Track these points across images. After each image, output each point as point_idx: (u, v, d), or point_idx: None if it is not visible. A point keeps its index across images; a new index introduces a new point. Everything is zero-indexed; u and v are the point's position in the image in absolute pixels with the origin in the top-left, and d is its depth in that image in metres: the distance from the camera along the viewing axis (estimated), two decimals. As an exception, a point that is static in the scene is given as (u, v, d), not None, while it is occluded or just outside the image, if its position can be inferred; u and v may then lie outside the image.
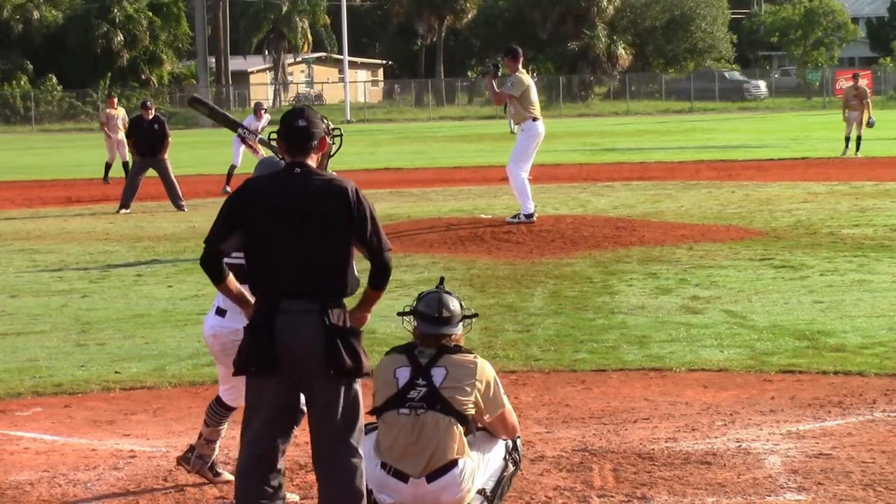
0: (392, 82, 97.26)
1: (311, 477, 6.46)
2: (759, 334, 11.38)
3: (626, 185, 26.89)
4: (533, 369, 10.34)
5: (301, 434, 6.37)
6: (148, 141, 24.96)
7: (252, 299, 6.06)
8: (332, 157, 6.53)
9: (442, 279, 7.07)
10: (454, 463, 6.39)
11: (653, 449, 7.94)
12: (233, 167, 27.95)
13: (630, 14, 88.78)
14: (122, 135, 29.80)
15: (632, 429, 8.44)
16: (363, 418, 6.07)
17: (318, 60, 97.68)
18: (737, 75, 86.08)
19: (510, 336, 11.57)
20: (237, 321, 6.53)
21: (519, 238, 17.38)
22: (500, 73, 18.34)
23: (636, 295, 13.52)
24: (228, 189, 26.19)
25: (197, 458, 7.41)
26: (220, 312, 7.05)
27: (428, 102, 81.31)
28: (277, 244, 5.90)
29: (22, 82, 77.99)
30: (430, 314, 6.55)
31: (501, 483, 6.67)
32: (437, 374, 6.44)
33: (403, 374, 6.48)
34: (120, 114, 31.75)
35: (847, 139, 33.87)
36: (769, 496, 7.06)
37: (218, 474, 7.45)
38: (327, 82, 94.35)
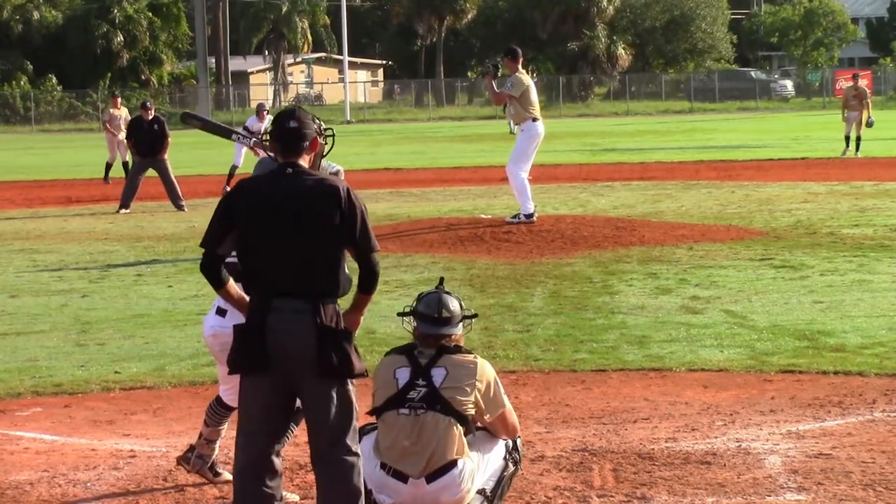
0: (392, 82, 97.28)
1: (311, 477, 6.46)
2: (759, 334, 11.38)
3: (626, 185, 26.89)
4: (533, 369, 10.34)
5: (301, 434, 6.38)
6: (148, 141, 24.97)
7: (252, 301, 6.09)
8: (325, 157, 6.57)
9: (442, 279, 7.07)
10: (454, 463, 6.39)
11: (653, 449, 7.94)
12: (234, 167, 27.95)
13: (630, 14, 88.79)
14: (123, 135, 29.82)
15: (632, 429, 8.44)
16: (358, 417, 6.07)
17: (318, 61, 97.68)
18: (762, 74, 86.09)
19: (510, 336, 11.57)
20: (237, 321, 6.52)
21: (519, 238, 17.38)
22: (499, 74, 18.34)
23: (636, 295, 13.52)
24: (229, 189, 26.17)
25: (197, 458, 7.41)
26: (221, 312, 7.05)
27: (428, 103, 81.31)
28: (269, 244, 5.94)
29: (22, 82, 78.00)
30: (430, 314, 6.55)
31: (501, 483, 6.67)
32: (437, 375, 6.44)
33: (403, 375, 6.48)
34: (123, 114, 31.76)
35: (847, 138, 33.89)
36: (769, 496, 7.06)
37: (218, 474, 7.45)
38: (327, 82, 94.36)
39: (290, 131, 6.06)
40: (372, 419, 6.60)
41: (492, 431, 6.66)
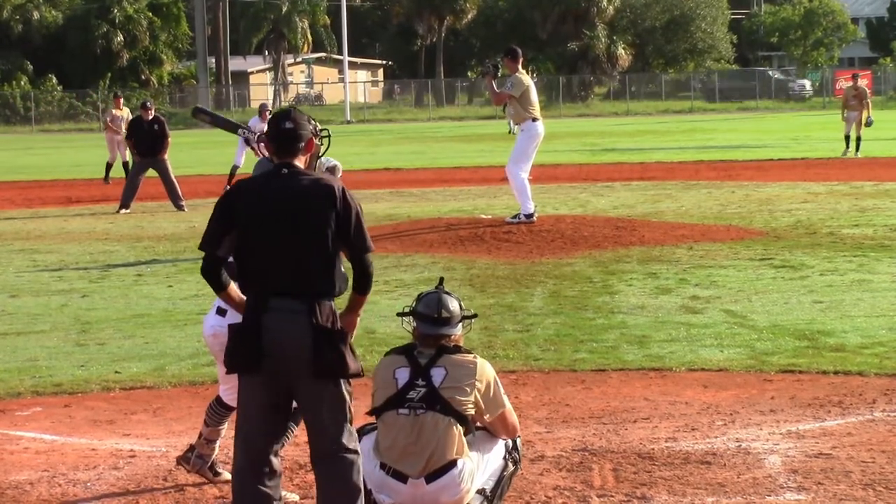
0: (392, 82, 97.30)
1: (311, 476, 6.47)
2: (759, 334, 11.38)
3: (626, 185, 26.90)
4: (533, 369, 10.34)
5: (301, 434, 6.38)
6: (148, 141, 24.97)
7: (252, 302, 6.09)
8: (320, 158, 6.59)
9: (441, 279, 7.07)
10: (453, 463, 6.39)
11: (653, 449, 7.94)
12: (235, 167, 27.95)
13: (630, 14, 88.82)
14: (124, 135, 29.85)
15: (632, 429, 8.44)
16: (352, 415, 6.07)
17: (318, 61, 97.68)
18: (778, 74, 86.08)
19: (510, 336, 11.57)
20: (237, 321, 6.53)
21: (519, 238, 17.38)
22: (499, 74, 18.34)
23: (636, 295, 13.52)
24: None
25: (197, 458, 7.41)
26: (221, 312, 7.05)
27: (428, 103, 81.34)
28: (265, 243, 5.96)
29: (22, 82, 78.04)
30: (430, 315, 6.55)
31: (501, 483, 6.67)
32: (437, 375, 6.44)
33: (403, 375, 6.48)
34: (125, 114, 31.77)
35: (847, 138, 33.90)
36: (769, 496, 7.06)
37: (218, 474, 7.45)
38: (327, 82, 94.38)
39: (285, 132, 6.08)
40: (372, 419, 6.60)
41: (492, 431, 6.66)
